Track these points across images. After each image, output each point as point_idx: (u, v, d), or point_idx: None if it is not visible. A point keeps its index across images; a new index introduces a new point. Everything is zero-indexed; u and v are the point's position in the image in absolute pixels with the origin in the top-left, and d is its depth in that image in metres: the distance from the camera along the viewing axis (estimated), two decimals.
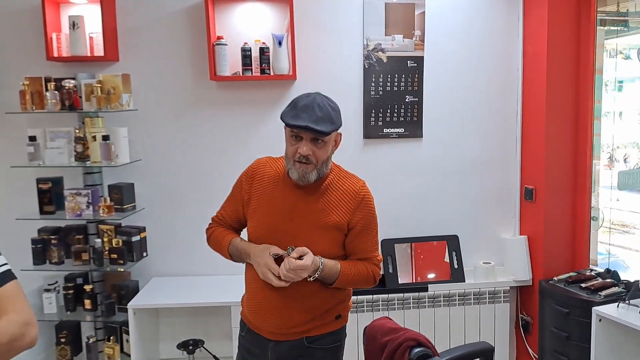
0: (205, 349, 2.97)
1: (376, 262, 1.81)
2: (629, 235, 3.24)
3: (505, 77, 3.13)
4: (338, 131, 1.73)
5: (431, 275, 3.11)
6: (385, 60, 2.99)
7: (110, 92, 2.72)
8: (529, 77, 3.09)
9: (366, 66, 2.98)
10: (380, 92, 3.01)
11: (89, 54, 2.85)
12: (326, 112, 1.64)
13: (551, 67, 2.95)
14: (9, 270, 1.23)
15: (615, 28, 3.21)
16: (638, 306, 2.38)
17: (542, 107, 3.00)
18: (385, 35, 2.97)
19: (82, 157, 2.72)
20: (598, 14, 3.02)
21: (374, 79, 2.99)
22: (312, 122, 1.60)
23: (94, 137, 2.75)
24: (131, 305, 2.72)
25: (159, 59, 2.94)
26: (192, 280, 3.03)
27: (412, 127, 3.06)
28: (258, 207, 1.77)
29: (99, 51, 2.85)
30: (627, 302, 2.41)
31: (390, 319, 1.88)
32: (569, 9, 2.95)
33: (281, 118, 1.66)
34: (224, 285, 2.89)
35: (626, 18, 3.13)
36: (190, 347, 2.94)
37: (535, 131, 3.07)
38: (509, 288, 3.12)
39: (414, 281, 3.08)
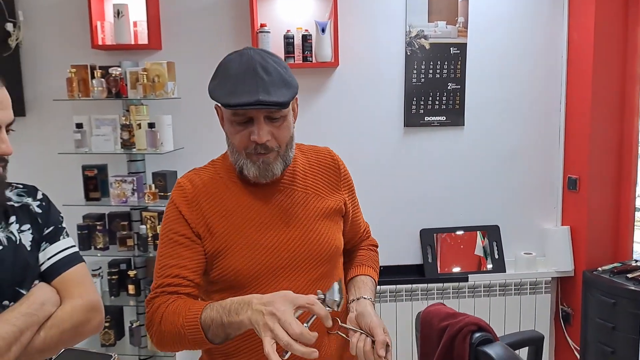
0: None
1: (369, 233, 1.55)
2: None
3: (549, 65, 3.08)
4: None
5: (469, 266, 3.09)
6: (427, 47, 2.96)
7: (155, 80, 2.74)
8: (574, 66, 3.04)
9: (408, 53, 2.95)
10: (423, 79, 2.98)
11: (132, 42, 2.88)
12: (276, 73, 1.17)
13: (597, 56, 2.90)
14: (77, 252, 1.23)
15: None
16: None
17: (587, 96, 2.95)
18: (428, 22, 2.94)
19: (127, 144, 2.75)
20: None
21: (415, 66, 2.97)
22: (263, 94, 1.13)
23: (139, 125, 2.77)
24: None
25: (201, 47, 2.95)
26: None
27: (454, 115, 3.04)
28: (231, 234, 1.23)
29: (143, 39, 2.88)
30: None
31: (445, 305, 1.88)
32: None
33: (212, 97, 1.19)
34: None
35: None
36: None
37: (579, 120, 3.02)
38: (550, 279, 3.09)
39: (453, 271, 3.07)
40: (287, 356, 1.00)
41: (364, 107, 3.01)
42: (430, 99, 3.01)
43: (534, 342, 2.04)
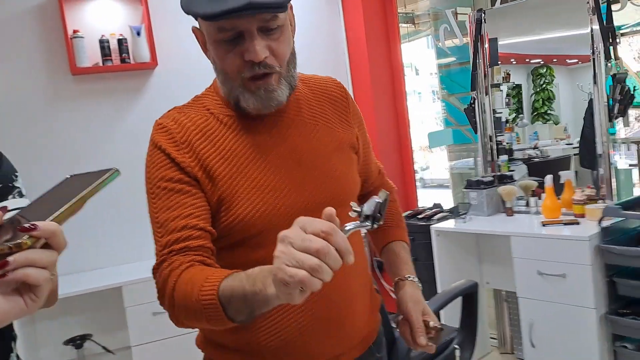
0: (94, 341, 2.97)
1: (384, 175, 1.38)
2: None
3: (336, 60, 3.71)
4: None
5: None
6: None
7: None
8: (355, 59, 3.72)
9: None
10: None
11: None
12: None
13: (370, 49, 3.62)
14: None
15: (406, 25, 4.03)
16: (463, 218, 3.05)
17: (367, 82, 3.65)
18: None
19: None
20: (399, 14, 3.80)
21: None
22: None
23: None
24: None
25: (10, 59, 2.92)
26: (63, 279, 3.00)
27: None
28: (235, 178, 1.03)
29: None
30: (459, 216, 3.09)
31: None
32: (377, 6, 3.66)
33: (188, 10, 0.99)
34: (106, 274, 2.93)
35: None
36: (78, 342, 2.92)
37: (366, 103, 3.69)
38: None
39: None
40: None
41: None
42: None
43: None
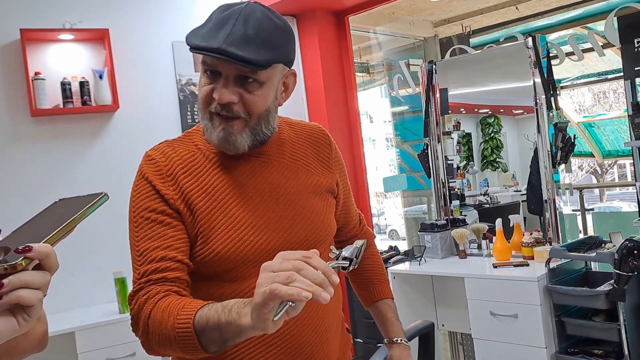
0: None
1: (364, 223, 1.42)
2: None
3: (295, 105, 3.81)
4: (290, 68, 1.13)
5: None
6: (197, 93, 3.42)
7: None
8: (313, 106, 3.84)
9: (181, 98, 3.37)
10: (197, 120, 3.41)
11: None
12: (262, 29, 1.01)
13: (328, 96, 3.75)
14: None
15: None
16: (418, 260, 3.14)
17: (325, 125, 3.74)
18: (195, 71, 3.42)
19: None
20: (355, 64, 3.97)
21: (189, 109, 3.39)
22: (230, 44, 0.98)
23: None
24: None
25: None
26: None
27: None
28: (214, 213, 1.07)
29: None
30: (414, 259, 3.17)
31: None
32: (335, 56, 3.82)
33: (186, 41, 1.03)
34: (57, 319, 2.84)
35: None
36: None
37: None
38: None
39: None
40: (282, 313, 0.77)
41: (145, 146, 3.26)
42: None
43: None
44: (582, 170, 6.96)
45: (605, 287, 2.36)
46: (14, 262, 0.58)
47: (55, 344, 2.71)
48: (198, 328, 0.89)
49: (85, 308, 3.00)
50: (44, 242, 0.61)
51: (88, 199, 0.70)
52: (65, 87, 3.00)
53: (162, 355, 1.00)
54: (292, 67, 1.14)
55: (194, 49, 1.01)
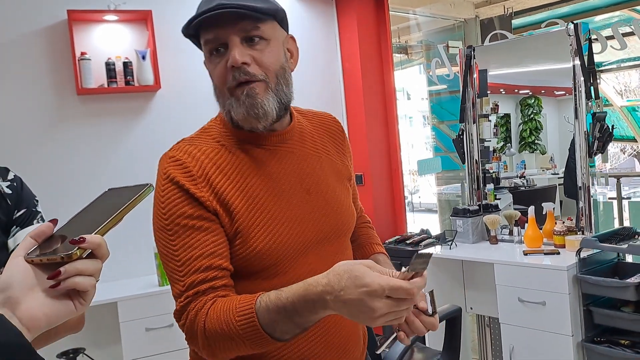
0: (87, 355, 3.03)
1: (364, 211, 1.44)
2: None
3: (332, 89, 3.84)
4: (287, 33, 1.12)
5: None
6: None
7: None
8: (349, 88, 3.86)
9: None
10: None
11: None
12: None
13: (365, 80, 3.76)
14: None
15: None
16: (449, 244, 3.18)
17: (361, 111, 3.78)
18: None
19: None
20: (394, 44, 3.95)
21: None
22: (225, 1, 0.98)
23: None
24: None
25: (24, 77, 3.01)
26: None
27: None
28: (252, 210, 1.05)
29: None
30: (445, 243, 3.21)
31: None
32: (373, 38, 3.81)
33: (183, 33, 1.06)
34: (102, 289, 3.00)
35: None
36: (71, 355, 2.99)
37: (359, 130, 3.83)
38: None
39: None
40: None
41: (186, 126, 3.36)
42: None
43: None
44: (624, 153, 6.78)
45: (635, 279, 2.36)
46: (69, 252, 0.65)
47: (100, 312, 2.90)
48: (260, 315, 0.90)
49: (127, 279, 3.15)
50: (95, 233, 0.68)
51: (135, 190, 0.74)
52: (109, 67, 3.11)
53: (229, 357, 0.99)
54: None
55: (194, 20, 1.00)
